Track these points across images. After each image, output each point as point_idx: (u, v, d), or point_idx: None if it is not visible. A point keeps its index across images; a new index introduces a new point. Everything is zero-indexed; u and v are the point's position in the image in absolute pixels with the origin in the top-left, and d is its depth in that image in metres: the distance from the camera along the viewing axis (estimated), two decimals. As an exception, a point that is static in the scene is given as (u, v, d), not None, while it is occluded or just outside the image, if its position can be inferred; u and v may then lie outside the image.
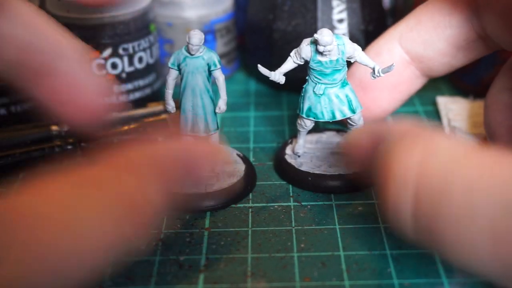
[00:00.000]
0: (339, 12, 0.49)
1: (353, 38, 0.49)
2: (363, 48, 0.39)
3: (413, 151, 0.26)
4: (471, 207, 0.23)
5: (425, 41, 0.40)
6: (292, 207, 0.38)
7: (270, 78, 0.39)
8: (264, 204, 0.38)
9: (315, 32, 0.38)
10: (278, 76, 0.39)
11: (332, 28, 0.49)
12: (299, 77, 0.41)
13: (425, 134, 0.27)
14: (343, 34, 0.49)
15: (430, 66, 0.41)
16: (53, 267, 0.23)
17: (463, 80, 0.51)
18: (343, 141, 0.38)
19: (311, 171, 0.40)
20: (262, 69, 0.39)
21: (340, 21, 0.49)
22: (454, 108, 0.48)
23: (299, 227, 0.36)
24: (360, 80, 0.42)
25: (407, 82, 0.42)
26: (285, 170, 0.41)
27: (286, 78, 0.39)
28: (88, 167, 0.26)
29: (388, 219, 0.26)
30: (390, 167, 0.26)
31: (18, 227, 0.23)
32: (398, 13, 0.58)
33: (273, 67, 0.40)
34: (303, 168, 0.40)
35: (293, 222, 0.37)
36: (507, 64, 0.39)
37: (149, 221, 0.27)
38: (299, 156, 0.41)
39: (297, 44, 0.39)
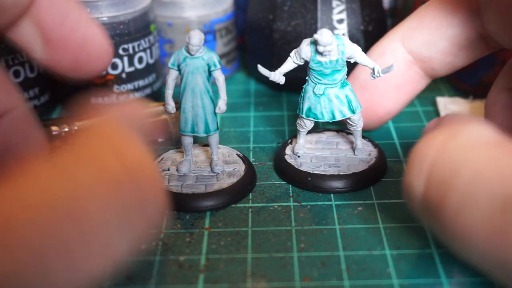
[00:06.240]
0: (339, 12, 0.49)
1: (353, 39, 0.49)
2: (363, 49, 0.39)
3: (435, 139, 0.27)
4: (473, 198, 0.24)
5: (428, 41, 0.40)
6: (292, 207, 0.38)
7: (270, 78, 0.39)
8: (264, 204, 0.38)
9: (315, 32, 0.38)
10: (278, 76, 0.39)
11: (332, 28, 0.49)
12: (299, 77, 0.41)
13: (455, 124, 0.27)
14: (343, 34, 0.49)
15: (433, 66, 0.41)
16: (52, 262, 0.21)
17: (462, 81, 0.51)
18: None
19: (311, 171, 0.40)
20: (262, 69, 0.39)
21: (340, 21, 0.49)
22: (453, 109, 0.48)
23: (299, 227, 0.36)
24: (365, 82, 0.42)
25: (411, 82, 0.42)
26: (285, 170, 0.41)
27: (286, 78, 0.39)
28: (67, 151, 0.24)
29: (404, 195, 0.28)
30: (413, 154, 0.27)
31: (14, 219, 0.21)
32: (398, 13, 0.59)
33: (273, 67, 0.40)
34: (303, 168, 0.40)
35: (293, 222, 0.37)
36: (507, 64, 0.39)
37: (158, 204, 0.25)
38: (299, 157, 0.41)
39: (297, 44, 0.39)
